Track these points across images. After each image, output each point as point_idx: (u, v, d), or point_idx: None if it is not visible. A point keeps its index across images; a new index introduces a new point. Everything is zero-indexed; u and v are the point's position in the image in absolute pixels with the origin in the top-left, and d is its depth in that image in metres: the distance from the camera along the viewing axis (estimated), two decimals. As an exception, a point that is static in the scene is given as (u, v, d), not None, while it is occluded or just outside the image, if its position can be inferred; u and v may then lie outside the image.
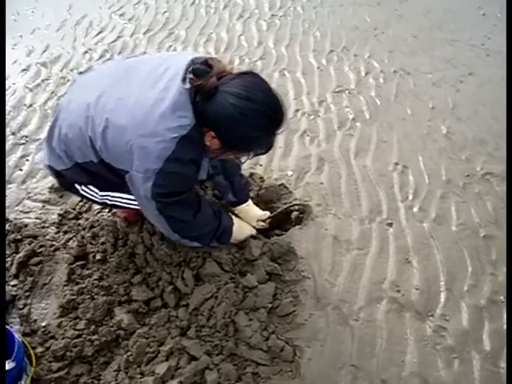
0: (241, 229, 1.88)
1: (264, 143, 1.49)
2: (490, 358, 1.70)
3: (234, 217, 1.88)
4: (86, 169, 1.59)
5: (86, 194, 1.73)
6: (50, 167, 1.68)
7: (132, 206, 1.72)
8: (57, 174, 1.69)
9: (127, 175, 1.47)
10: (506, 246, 2.04)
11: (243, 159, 1.65)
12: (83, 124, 1.47)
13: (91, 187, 1.70)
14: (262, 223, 1.99)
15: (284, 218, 2.12)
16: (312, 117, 2.79)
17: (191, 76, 1.38)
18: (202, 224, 1.67)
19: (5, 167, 2.35)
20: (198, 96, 1.38)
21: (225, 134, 1.41)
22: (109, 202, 1.74)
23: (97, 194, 1.72)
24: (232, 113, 1.34)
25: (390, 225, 2.15)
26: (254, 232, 1.93)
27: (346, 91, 3.03)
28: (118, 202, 1.73)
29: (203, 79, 1.35)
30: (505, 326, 1.79)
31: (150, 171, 1.39)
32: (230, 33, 3.64)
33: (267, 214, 2.03)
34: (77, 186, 1.71)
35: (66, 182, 1.73)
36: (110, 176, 1.58)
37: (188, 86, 1.38)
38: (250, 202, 2.02)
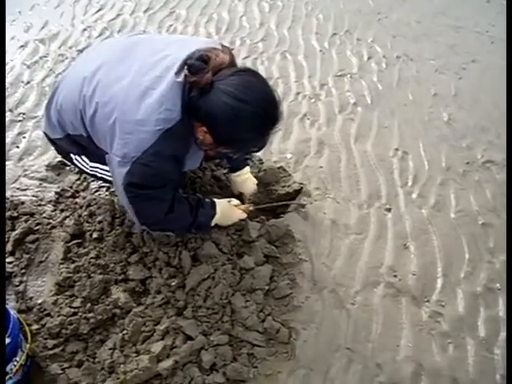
0: (226, 216, 1.79)
1: (257, 143, 1.49)
2: (485, 344, 1.71)
3: (220, 203, 1.77)
4: (76, 141, 1.62)
5: (78, 164, 1.77)
6: (45, 134, 1.73)
7: None
8: (52, 141, 1.74)
9: (107, 156, 1.48)
10: (506, 234, 2.04)
11: (236, 155, 1.69)
12: (77, 98, 1.49)
13: (83, 157, 1.73)
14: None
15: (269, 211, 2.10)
16: (313, 100, 2.77)
17: (186, 72, 1.36)
18: (171, 221, 1.63)
19: (5, 148, 2.32)
20: (193, 91, 1.36)
21: (217, 131, 1.40)
22: (98, 175, 1.77)
23: (87, 164, 1.74)
24: (225, 113, 1.32)
25: (389, 210, 2.15)
26: (242, 216, 1.83)
27: (348, 75, 3.00)
28: (107, 176, 1.73)
29: (197, 76, 1.33)
30: (500, 313, 1.79)
31: (128, 158, 1.38)
32: (231, 13, 3.59)
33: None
34: (71, 155, 1.74)
35: (61, 150, 1.77)
36: (97, 151, 1.59)
37: (180, 79, 1.36)
38: (245, 170, 1.98)
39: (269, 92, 1.39)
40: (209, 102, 1.33)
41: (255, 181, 2.04)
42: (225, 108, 1.32)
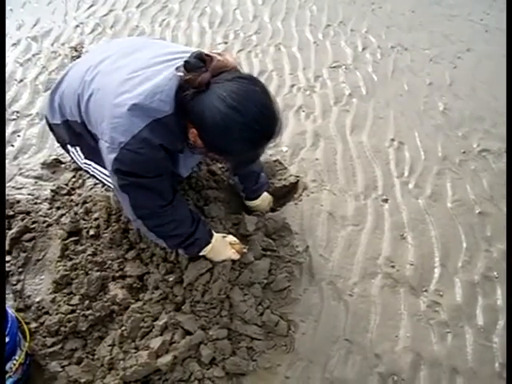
0: (217, 251, 1.68)
1: (248, 155, 1.42)
2: (483, 332, 1.71)
3: (217, 236, 1.69)
4: (72, 128, 1.60)
5: (73, 157, 1.76)
6: (46, 118, 1.73)
7: (109, 184, 1.69)
8: (50, 127, 1.73)
9: (99, 142, 1.43)
10: (506, 224, 2.04)
11: (227, 164, 1.63)
12: (78, 84, 1.49)
13: (78, 150, 1.71)
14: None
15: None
16: (308, 92, 2.76)
17: (181, 69, 1.30)
18: (169, 221, 1.53)
19: (5, 150, 2.32)
20: (188, 89, 1.29)
21: (206, 137, 1.32)
22: (90, 172, 1.75)
23: (81, 159, 1.72)
24: (215, 119, 1.24)
25: (386, 201, 2.15)
26: (234, 257, 1.70)
27: (343, 66, 2.99)
28: (98, 175, 1.72)
29: (193, 74, 1.26)
30: (498, 302, 1.80)
31: (116, 143, 1.33)
32: (224, 7, 3.57)
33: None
34: (68, 146, 1.73)
35: (59, 137, 1.76)
36: (90, 141, 1.56)
37: (180, 73, 1.31)
38: (261, 198, 1.98)
39: (267, 104, 1.29)
40: (201, 104, 1.26)
41: (271, 198, 2.05)
42: (215, 114, 1.23)
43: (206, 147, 1.37)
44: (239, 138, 1.27)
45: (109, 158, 1.37)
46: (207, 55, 1.31)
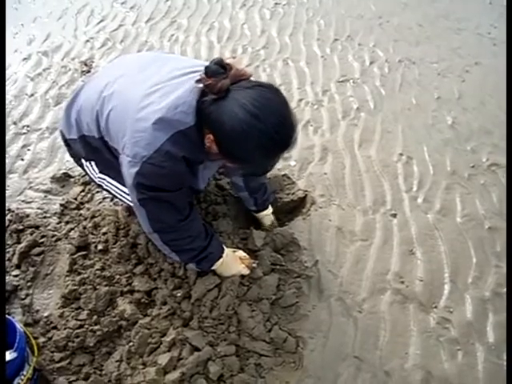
0: (227, 267, 1.69)
1: (262, 164, 1.44)
2: (494, 350, 1.69)
3: (228, 251, 1.70)
4: (89, 143, 1.60)
5: (87, 171, 1.76)
6: (61, 133, 1.72)
7: (123, 199, 1.71)
8: (66, 143, 1.73)
9: (120, 157, 1.44)
10: (506, 238, 2.02)
11: (241, 172, 1.67)
12: (96, 100, 1.49)
13: (93, 164, 1.71)
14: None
15: None
16: (316, 106, 2.76)
17: (202, 74, 1.30)
18: (186, 236, 1.54)
19: (5, 160, 2.34)
20: (207, 95, 1.29)
21: (222, 142, 1.32)
22: (104, 187, 1.75)
23: (96, 173, 1.73)
24: (234, 125, 1.23)
25: (394, 216, 2.14)
26: (244, 272, 1.72)
27: (351, 81, 2.99)
28: (112, 189, 1.72)
29: (213, 79, 1.26)
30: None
31: (138, 157, 1.33)
32: (232, 21, 3.61)
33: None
34: (83, 160, 1.74)
35: (74, 153, 1.76)
36: (108, 156, 1.58)
37: (200, 85, 1.31)
38: (267, 211, 2.01)
39: (286, 115, 1.28)
40: (220, 110, 1.25)
41: (273, 217, 2.06)
42: (235, 119, 1.23)
43: (221, 153, 1.36)
44: (256, 145, 1.26)
45: (130, 172, 1.37)
46: (226, 62, 1.31)
